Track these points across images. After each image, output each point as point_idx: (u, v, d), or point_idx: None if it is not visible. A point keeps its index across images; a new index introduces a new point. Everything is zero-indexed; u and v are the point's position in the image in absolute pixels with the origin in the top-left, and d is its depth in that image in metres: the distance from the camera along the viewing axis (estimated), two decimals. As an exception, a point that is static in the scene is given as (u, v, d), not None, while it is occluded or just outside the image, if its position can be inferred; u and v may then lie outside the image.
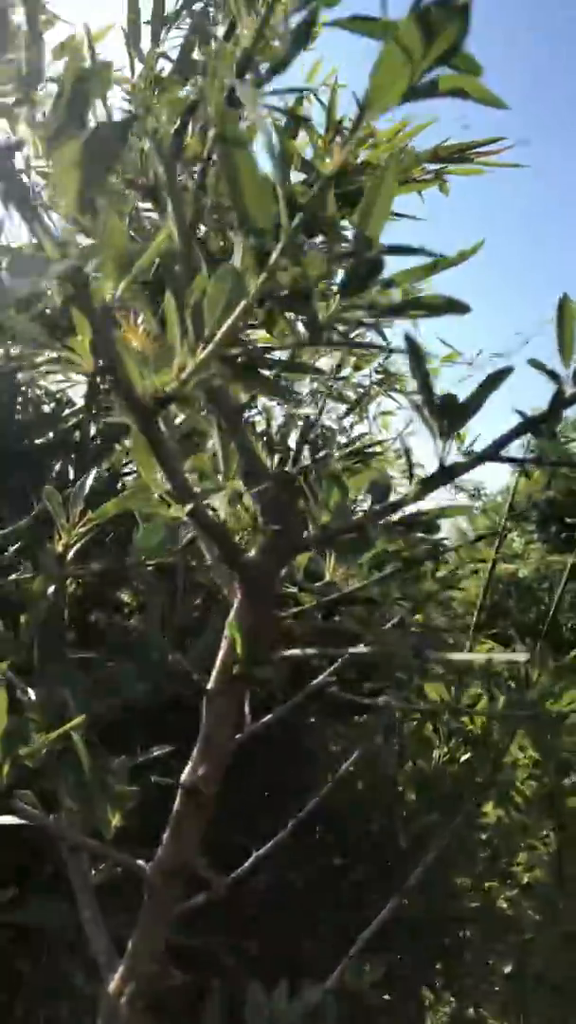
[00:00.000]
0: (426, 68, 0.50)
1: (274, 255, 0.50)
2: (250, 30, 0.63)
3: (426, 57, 0.49)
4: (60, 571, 1.00)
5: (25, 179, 0.57)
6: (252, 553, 0.69)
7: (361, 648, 0.71)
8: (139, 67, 0.81)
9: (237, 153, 0.48)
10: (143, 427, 0.58)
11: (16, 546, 1.11)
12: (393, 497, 0.67)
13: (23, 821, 0.79)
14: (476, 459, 0.62)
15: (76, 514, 0.99)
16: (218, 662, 0.72)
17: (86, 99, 0.46)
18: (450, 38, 0.49)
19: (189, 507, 0.61)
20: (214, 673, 0.72)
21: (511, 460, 0.63)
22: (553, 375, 0.60)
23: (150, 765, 0.88)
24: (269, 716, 0.78)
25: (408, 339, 0.59)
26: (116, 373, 0.57)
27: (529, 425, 0.61)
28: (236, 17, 0.62)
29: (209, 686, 0.72)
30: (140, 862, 0.75)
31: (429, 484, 0.59)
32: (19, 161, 0.52)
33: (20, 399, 1.45)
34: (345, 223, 0.71)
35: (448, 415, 0.56)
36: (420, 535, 0.69)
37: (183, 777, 0.73)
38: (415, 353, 0.58)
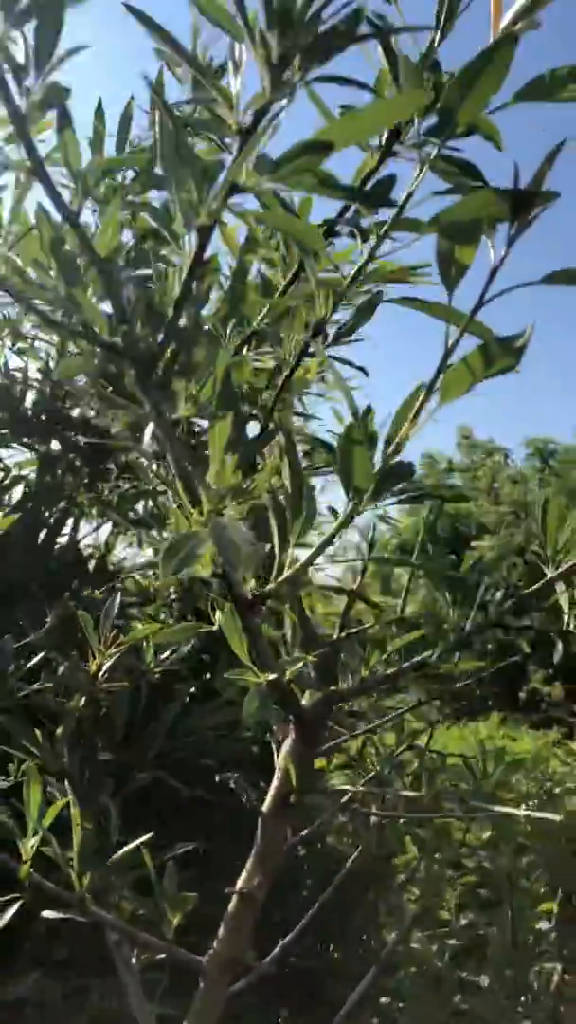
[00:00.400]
0: (483, 378, 0.69)
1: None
2: (325, 300, 0.80)
3: (485, 374, 0.68)
4: (93, 687, 1.13)
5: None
6: (305, 702, 0.85)
7: (406, 791, 0.89)
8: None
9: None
10: (244, 619, 0.74)
11: (39, 656, 1.23)
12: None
13: (87, 919, 0.92)
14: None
15: (108, 636, 1.13)
16: (272, 790, 0.88)
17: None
18: (504, 365, 0.68)
19: (271, 677, 0.77)
20: (269, 798, 0.88)
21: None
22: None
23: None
24: (305, 832, 0.94)
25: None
26: (229, 577, 0.72)
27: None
28: (315, 291, 0.79)
29: (264, 808, 0.87)
30: (198, 957, 0.89)
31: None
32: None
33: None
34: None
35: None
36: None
37: (239, 884, 0.88)
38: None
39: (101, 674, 1.11)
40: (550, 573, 0.87)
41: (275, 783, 0.88)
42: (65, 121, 0.59)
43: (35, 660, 1.21)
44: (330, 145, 0.57)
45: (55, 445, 2.10)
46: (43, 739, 1.12)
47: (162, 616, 2.28)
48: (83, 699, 1.13)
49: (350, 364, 0.82)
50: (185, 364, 0.63)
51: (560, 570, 0.87)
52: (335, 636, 0.86)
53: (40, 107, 0.54)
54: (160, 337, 0.61)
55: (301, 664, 0.78)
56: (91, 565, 2.19)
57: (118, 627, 1.13)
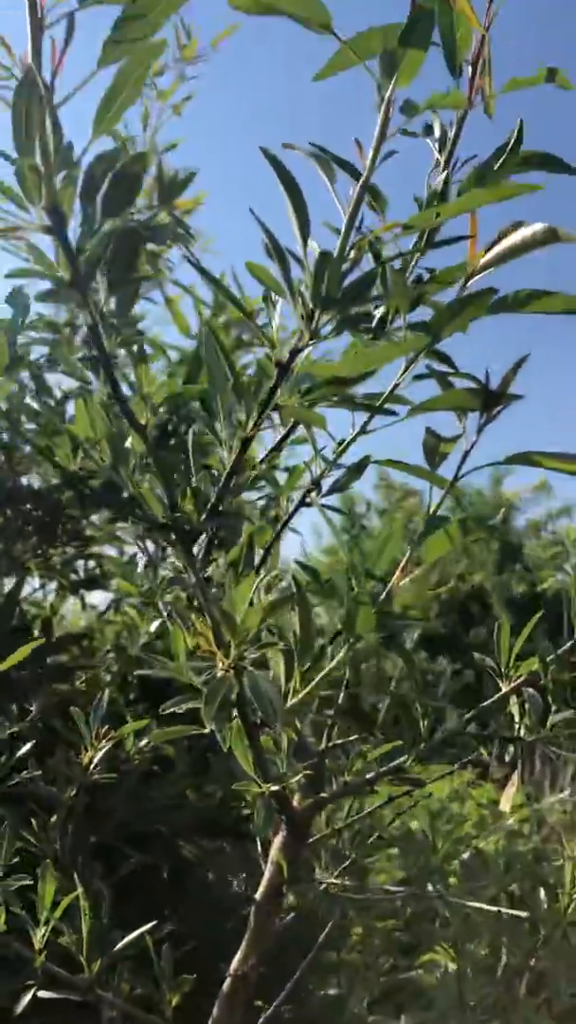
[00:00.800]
0: (460, 543, 0.83)
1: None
2: (323, 463, 0.93)
3: (462, 541, 0.83)
4: (85, 778, 1.23)
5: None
6: (296, 803, 0.98)
7: (394, 889, 1.01)
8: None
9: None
10: (253, 746, 0.86)
11: (26, 746, 1.32)
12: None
13: (92, 1000, 1.02)
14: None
15: (99, 731, 1.23)
16: (264, 881, 0.99)
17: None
18: (478, 536, 0.82)
19: (273, 788, 0.89)
20: (262, 888, 0.99)
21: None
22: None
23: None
24: (291, 915, 1.06)
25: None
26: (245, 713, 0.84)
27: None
28: (314, 456, 0.93)
29: (257, 897, 0.99)
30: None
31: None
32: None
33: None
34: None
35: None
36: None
37: (233, 966, 0.99)
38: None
39: (93, 766, 1.21)
40: (504, 687, 1.03)
41: (267, 875, 0.99)
42: (142, 356, 0.72)
43: (24, 749, 1.30)
44: (345, 380, 0.71)
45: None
46: (37, 827, 1.21)
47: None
48: (75, 789, 1.23)
49: (337, 511, 0.96)
50: (223, 539, 0.76)
51: (512, 685, 1.02)
52: (322, 747, 0.99)
53: (123, 345, 0.66)
54: (204, 518, 0.74)
55: (299, 776, 0.90)
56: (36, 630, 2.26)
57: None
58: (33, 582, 2.47)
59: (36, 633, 2.30)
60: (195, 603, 0.80)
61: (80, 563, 2.56)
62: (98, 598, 2.80)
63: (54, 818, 1.22)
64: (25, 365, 2.12)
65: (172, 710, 0.85)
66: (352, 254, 0.69)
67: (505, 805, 2.40)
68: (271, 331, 0.71)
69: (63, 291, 0.62)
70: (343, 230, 0.69)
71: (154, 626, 1.44)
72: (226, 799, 2.10)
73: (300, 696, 0.86)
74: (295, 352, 0.70)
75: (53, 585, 2.53)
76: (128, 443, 0.74)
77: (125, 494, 0.77)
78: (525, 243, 0.75)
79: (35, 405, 2.10)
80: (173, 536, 0.75)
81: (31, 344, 2.17)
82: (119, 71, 0.59)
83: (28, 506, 2.30)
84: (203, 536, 0.74)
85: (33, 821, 1.21)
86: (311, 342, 0.69)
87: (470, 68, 0.86)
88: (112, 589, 2.59)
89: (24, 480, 2.25)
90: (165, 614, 1.15)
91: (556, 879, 1.43)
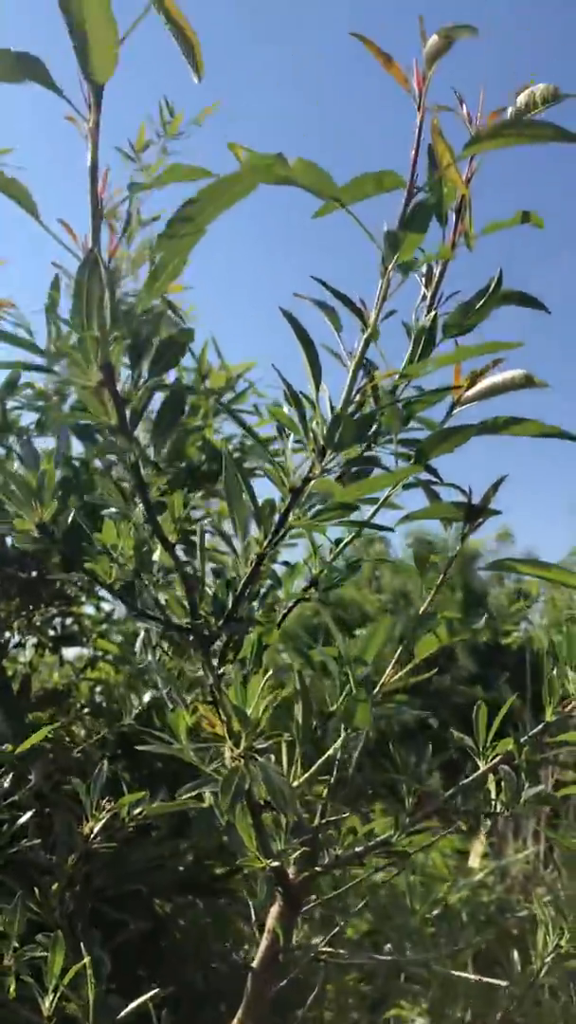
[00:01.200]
0: (448, 641, 0.93)
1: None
2: (321, 562, 1.03)
3: (449, 641, 0.92)
4: (86, 847, 1.29)
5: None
6: (292, 876, 1.05)
7: (380, 957, 1.09)
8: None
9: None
10: (256, 824, 0.94)
11: (27, 815, 1.38)
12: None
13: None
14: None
15: (99, 802, 1.30)
16: (261, 950, 1.06)
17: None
18: (463, 636, 0.92)
19: (274, 864, 0.97)
20: (259, 956, 1.06)
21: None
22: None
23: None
24: (283, 982, 1.13)
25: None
26: (254, 796, 0.93)
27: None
28: (312, 556, 1.03)
29: (255, 965, 1.06)
30: None
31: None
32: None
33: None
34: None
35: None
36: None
37: (231, 1031, 1.05)
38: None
39: (94, 835, 1.28)
40: (482, 765, 1.12)
41: (264, 943, 1.06)
42: (176, 484, 0.81)
43: (25, 818, 1.36)
44: (352, 506, 0.81)
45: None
46: (40, 895, 1.27)
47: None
48: (75, 858, 1.29)
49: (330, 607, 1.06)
50: (237, 643, 0.84)
51: (489, 764, 1.11)
52: (316, 823, 1.07)
53: (157, 480, 0.76)
54: (222, 623, 0.83)
55: (297, 853, 0.98)
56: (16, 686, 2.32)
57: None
58: (10, 637, 2.53)
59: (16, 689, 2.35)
60: (203, 694, 0.88)
61: (57, 619, 2.62)
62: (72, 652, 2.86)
63: (55, 886, 1.28)
64: (14, 429, 2.21)
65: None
66: (357, 397, 0.80)
67: (474, 861, 2.48)
68: (284, 460, 0.81)
69: (111, 434, 0.71)
70: (348, 379, 0.80)
71: (147, 697, 1.51)
72: (199, 856, 2.16)
73: (300, 780, 0.94)
74: (307, 481, 0.80)
75: (29, 639, 2.58)
76: (156, 556, 0.83)
77: (145, 598, 0.86)
78: (505, 385, 0.86)
79: (22, 470, 2.17)
80: (192, 638, 0.83)
81: (22, 408, 2.26)
82: (165, 254, 0.69)
83: (14, 568, 2.37)
84: (220, 640, 0.83)
85: (36, 890, 1.27)
86: (322, 474, 0.79)
87: (454, 215, 0.98)
88: (89, 645, 2.66)
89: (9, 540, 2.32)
90: (164, 692, 1.23)
91: (527, 939, 1.51)
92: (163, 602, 0.85)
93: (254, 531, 0.81)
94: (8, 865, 1.33)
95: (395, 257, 0.77)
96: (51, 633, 2.61)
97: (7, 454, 2.22)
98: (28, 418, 2.24)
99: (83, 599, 2.52)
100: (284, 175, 0.83)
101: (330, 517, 0.81)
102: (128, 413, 0.71)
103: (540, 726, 1.11)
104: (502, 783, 1.11)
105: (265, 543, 0.81)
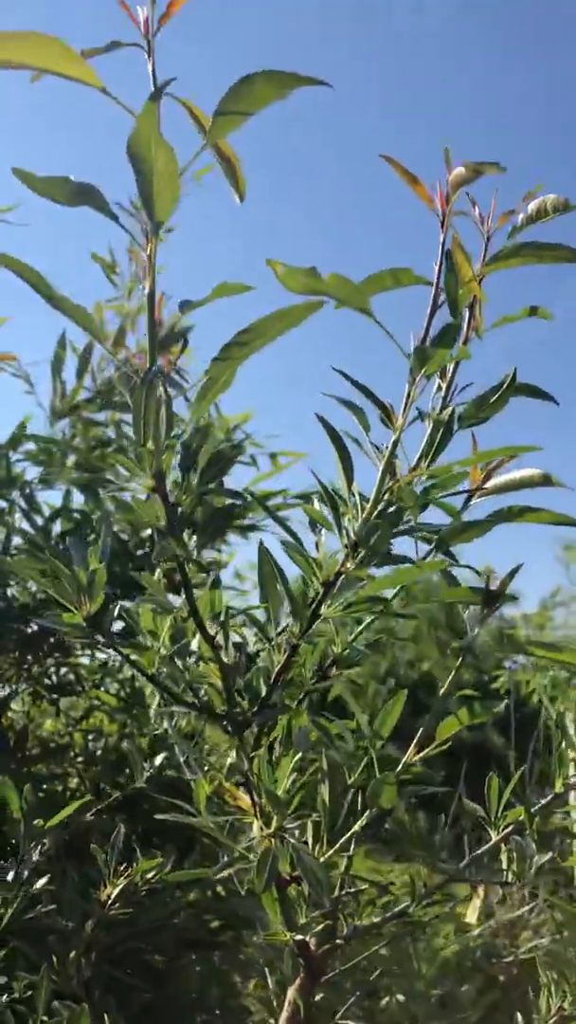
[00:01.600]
0: (467, 723, 0.97)
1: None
2: (340, 638, 1.07)
3: (469, 722, 0.96)
4: (103, 914, 1.31)
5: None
6: (313, 947, 1.08)
7: None
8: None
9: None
10: (281, 899, 0.97)
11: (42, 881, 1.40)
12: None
13: None
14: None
15: (116, 869, 1.33)
16: (283, 1020, 1.09)
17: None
18: (484, 718, 0.96)
19: (298, 937, 1.00)
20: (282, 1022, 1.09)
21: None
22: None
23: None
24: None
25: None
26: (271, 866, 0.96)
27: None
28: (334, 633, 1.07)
29: (276, 1035, 1.08)
30: None
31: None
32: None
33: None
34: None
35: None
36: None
37: None
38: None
39: (112, 901, 1.30)
40: (494, 835, 1.15)
41: (285, 1013, 1.09)
42: (216, 582, 0.86)
43: (41, 884, 1.38)
44: (381, 599, 0.86)
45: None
46: (57, 963, 1.28)
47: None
48: (93, 923, 1.31)
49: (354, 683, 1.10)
50: (270, 726, 0.88)
51: (501, 835, 1.15)
52: (336, 895, 1.10)
53: (197, 575, 0.80)
54: (256, 709, 0.87)
55: (320, 927, 1.02)
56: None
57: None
58: (9, 690, 2.54)
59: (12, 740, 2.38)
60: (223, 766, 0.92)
61: (53, 669, 2.64)
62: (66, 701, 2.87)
63: (72, 954, 1.30)
64: (18, 483, 2.25)
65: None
66: (386, 496, 0.85)
67: (472, 916, 2.49)
68: (319, 555, 0.86)
69: (162, 535, 0.76)
70: (379, 478, 0.85)
71: (158, 760, 1.54)
72: (197, 912, 2.17)
73: (326, 857, 0.97)
74: (339, 575, 0.84)
75: (26, 689, 2.60)
76: (194, 645, 0.87)
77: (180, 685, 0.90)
78: (523, 482, 0.92)
79: (25, 524, 2.22)
80: (226, 723, 0.87)
81: (26, 461, 2.31)
82: (215, 371, 0.74)
83: (17, 624, 2.39)
84: (253, 726, 0.87)
85: (55, 957, 1.28)
86: (353, 568, 0.84)
87: (467, 311, 1.04)
88: (85, 695, 2.67)
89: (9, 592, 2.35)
90: (182, 760, 1.26)
91: (529, 1001, 1.53)
92: (198, 688, 0.89)
93: (284, 618, 0.86)
94: (26, 933, 1.35)
95: (423, 370, 0.82)
96: (47, 683, 2.63)
97: (9, 507, 2.26)
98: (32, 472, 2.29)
99: (79, 651, 2.54)
100: (318, 287, 0.89)
101: (360, 610, 0.85)
102: (176, 517, 0.75)
103: (551, 796, 1.15)
104: (513, 852, 1.15)
105: (300, 635, 0.85)
